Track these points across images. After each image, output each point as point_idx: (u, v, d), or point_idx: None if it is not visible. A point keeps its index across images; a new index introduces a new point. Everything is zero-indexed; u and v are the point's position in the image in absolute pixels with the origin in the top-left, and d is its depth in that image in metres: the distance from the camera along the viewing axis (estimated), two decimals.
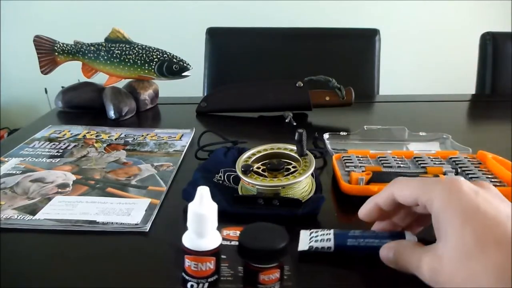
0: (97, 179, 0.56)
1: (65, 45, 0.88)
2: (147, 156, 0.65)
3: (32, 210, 0.48)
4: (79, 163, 0.61)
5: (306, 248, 0.39)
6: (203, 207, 0.31)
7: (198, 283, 0.31)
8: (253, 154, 0.52)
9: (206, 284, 0.31)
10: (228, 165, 0.55)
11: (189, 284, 0.31)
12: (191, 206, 0.31)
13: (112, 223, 0.45)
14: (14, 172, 0.58)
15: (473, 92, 1.30)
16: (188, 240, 0.31)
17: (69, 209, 0.48)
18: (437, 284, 0.30)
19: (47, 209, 0.48)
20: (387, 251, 0.35)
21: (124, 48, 0.86)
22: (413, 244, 0.34)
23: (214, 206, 0.32)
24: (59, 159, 0.63)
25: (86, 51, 0.87)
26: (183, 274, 0.32)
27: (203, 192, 0.31)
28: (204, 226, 0.31)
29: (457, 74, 1.94)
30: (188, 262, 0.31)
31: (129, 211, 0.47)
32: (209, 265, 0.31)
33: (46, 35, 0.88)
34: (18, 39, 2.15)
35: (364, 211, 0.39)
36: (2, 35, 2.23)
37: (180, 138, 0.72)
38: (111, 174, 0.58)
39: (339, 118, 0.87)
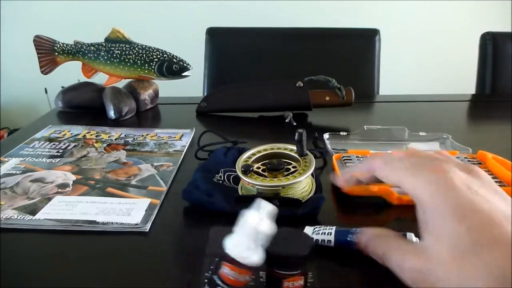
0: (97, 179, 0.56)
1: (65, 45, 0.88)
2: (147, 156, 0.65)
3: (32, 210, 0.48)
4: (79, 163, 0.61)
5: None
6: (264, 223, 0.29)
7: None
8: (253, 154, 0.52)
9: None
10: (228, 165, 0.55)
11: None
12: (251, 217, 0.29)
13: (112, 223, 0.45)
14: (14, 172, 0.58)
15: (473, 92, 1.30)
16: (236, 248, 0.29)
17: (69, 209, 0.48)
18: (419, 285, 0.29)
19: (47, 209, 0.48)
20: (365, 237, 0.34)
21: (124, 48, 0.86)
22: (396, 236, 0.32)
23: (274, 228, 0.30)
24: (59, 159, 0.63)
25: (86, 51, 0.87)
26: (215, 277, 0.30)
27: (269, 209, 0.30)
28: (257, 240, 0.29)
29: (457, 74, 1.94)
30: (227, 270, 0.29)
31: (129, 211, 0.47)
32: (247, 278, 0.29)
33: (46, 35, 0.88)
34: (18, 39, 2.15)
35: (343, 181, 0.39)
36: (2, 35, 2.23)
37: (180, 138, 0.72)
38: (111, 174, 0.58)
39: (339, 118, 0.87)
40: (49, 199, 0.50)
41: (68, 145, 0.69)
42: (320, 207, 0.46)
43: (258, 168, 0.50)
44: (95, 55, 0.87)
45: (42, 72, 0.89)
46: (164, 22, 2.21)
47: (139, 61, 0.86)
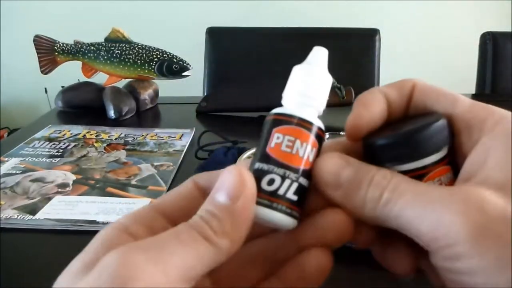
0: (97, 179, 0.56)
1: (65, 45, 0.88)
2: (147, 156, 0.65)
3: (32, 210, 0.47)
4: (79, 163, 0.61)
5: None
6: (317, 68, 0.20)
7: (284, 177, 0.17)
8: (253, 154, 0.52)
9: (295, 184, 0.17)
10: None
11: (267, 177, 0.18)
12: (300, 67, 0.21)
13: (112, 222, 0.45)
14: (14, 172, 0.58)
15: (473, 92, 1.30)
16: (289, 104, 0.18)
17: (69, 209, 0.48)
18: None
19: (47, 209, 0.48)
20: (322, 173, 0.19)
21: (124, 48, 0.86)
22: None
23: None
24: (59, 159, 0.63)
25: (86, 51, 0.87)
26: (259, 162, 0.18)
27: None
28: (313, 90, 0.19)
29: (457, 74, 1.94)
30: (278, 137, 0.17)
31: (129, 211, 0.47)
32: (308, 149, 0.17)
33: (46, 35, 0.88)
34: (18, 39, 2.15)
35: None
36: (2, 35, 2.23)
37: (180, 138, 0.72)
38: (111, 174, 0.58)
39: (339, 118, 0.86)
40: (49, 199, 0.50)
41: (68, 145, 0.69)
42: None
43: None
44: (95, 55, 0.87)
45: (42, 72, 0.89)
46: (164, 22, 2.21)
47: (139, 61, 0.86)
